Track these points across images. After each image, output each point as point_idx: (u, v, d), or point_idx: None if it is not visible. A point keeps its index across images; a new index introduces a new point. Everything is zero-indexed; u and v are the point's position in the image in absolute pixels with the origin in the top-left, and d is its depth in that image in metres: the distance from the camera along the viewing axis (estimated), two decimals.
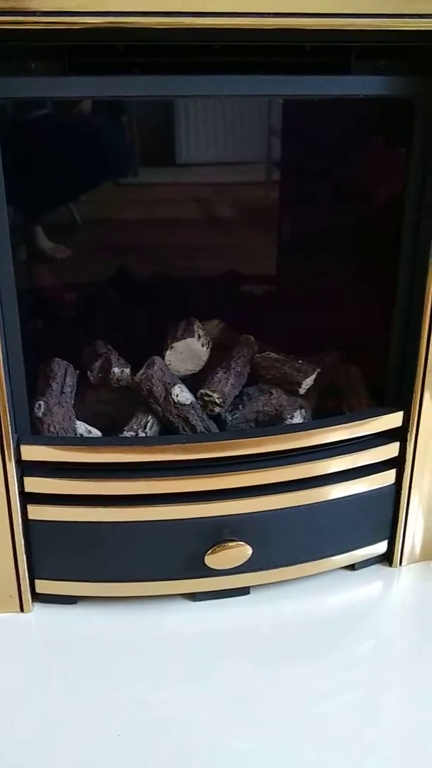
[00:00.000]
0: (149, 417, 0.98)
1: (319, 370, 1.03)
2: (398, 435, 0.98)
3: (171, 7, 0.74)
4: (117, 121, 1.16)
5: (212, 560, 0.94)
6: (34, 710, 0.85)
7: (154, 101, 1.11)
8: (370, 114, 1.05)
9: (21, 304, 0.86)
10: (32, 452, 0.90)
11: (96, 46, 0.80)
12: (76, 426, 0.97)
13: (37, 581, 0.96)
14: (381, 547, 1.04)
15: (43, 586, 0.97)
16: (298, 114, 1.16)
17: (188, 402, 0.97)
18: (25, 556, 0.93)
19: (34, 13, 0.72)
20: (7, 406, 0.86)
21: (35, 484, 0.91)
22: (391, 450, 0.99)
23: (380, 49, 0.84)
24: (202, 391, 0.99)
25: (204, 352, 1.03)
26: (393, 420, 0.98)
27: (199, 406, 0.98)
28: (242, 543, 0.94)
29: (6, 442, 0.87)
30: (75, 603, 0.98)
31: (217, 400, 0.98)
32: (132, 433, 0.97)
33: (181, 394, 0.96)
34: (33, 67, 0.79)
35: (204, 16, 0.74)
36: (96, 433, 0.98)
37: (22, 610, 0.96)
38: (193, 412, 0.97)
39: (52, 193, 1.13)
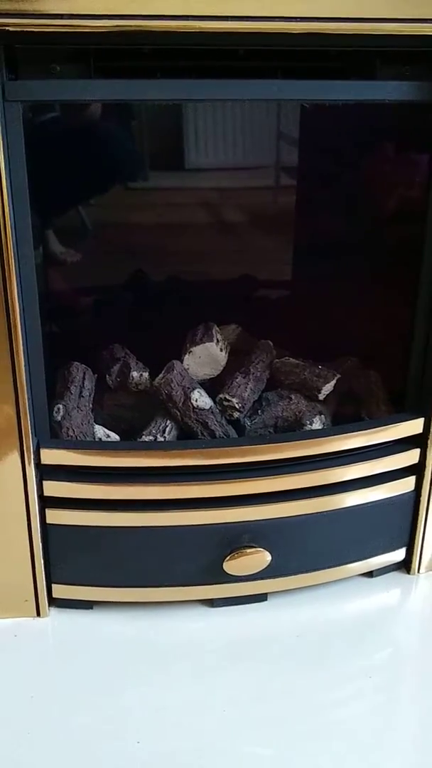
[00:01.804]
0: (168, 421, 0.98)
1: (338, 375, 1.03)
2: (418, 442, 0.98)
3: (198, 11, 0.73)
4: (128, 125, 1.16)
5: (231, 566, 0.93)
6: (50, 716, 0.84)
7: (171, 105, 1.11)
8: (386, 119, 1.04)
9: (39, 308, 0.86)
10: (51, 456, 0.90)
11: (121, 49, 0.79)
12: (95, 430, 0.97)
13: (53, 586, 0.96)
14: (399, 555, 1.04)
15: (60, 591, 0.96)
16: (311, 119, 1.16)
17: (207, 407, 0.96)
18: (42, 561, 0.93)
19: (60, 16, 0.72)
20: (27, 409, 0.85)
21: (54, 488, 0.91)
22: (411, 457, 0.98)
23: (405, 54, 0.84)
24: (221, 395, 0.98)
25: (222, 357, 1.02)
26: (413, 427, 0.97)
27: (218, 411, 0.98)
28: (261, 549, 0.93)
29: (26, 445, 0.87)
30: (91, 608, 0.98)
31: (236, 405, 0.98)
32: (150, 438, 0.96)
33: (201, 399, 0.96)
34: (57, 69, 0.79)
35: (231, 20, 0.74)
36: (114, 437, 0.98)
37: (38, 614, 0.96)
38: (212, 417, 0.96)
39: (63, 197, 1.13)
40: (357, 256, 1.11)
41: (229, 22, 0.74)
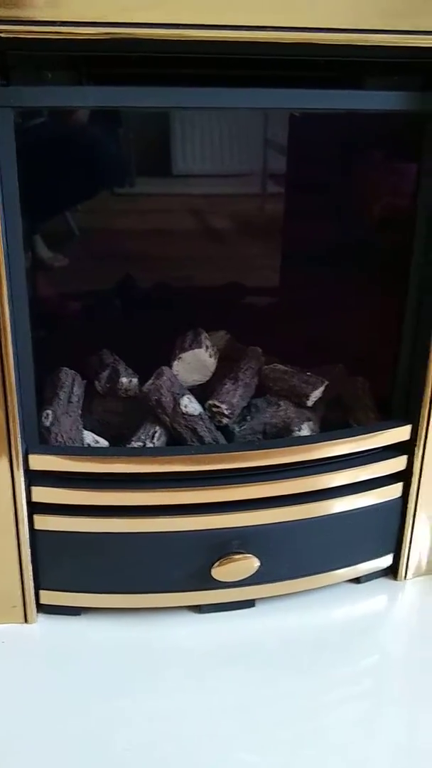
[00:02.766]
0: (157, 427, 0.98)
1: (327, 382, 1.03)
2: (406, 448, 0.99)
3: (189, 19, 0.74)
4: (115, 131, 1.17)
5: (219, 572, 0.94)
6: (38, 723, 0.84)
7: (158, 112, 1.12)
8: (375, 128, 1.05)
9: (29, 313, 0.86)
10: (40, 462, 0.90)
11: (112, 56, 0.80)
12: (84, 436, 0.97)
13: (41, 592, 0.95)
14: (386, 561, 1.04)
15: (48, 597, 0.96)
16: (300, 127, 1.17)
17: (196, 413, 0.97)
18: (30, 567, 0.93)
19: (52, 23, 0.72)
20: (16, 415, 0.85)
21: (42, 494, 0.91)
22: (398, 463, 0.99)
23: (394, 65, 0.85)
24: (210, 402, 0.98)
25: (211, 363, 1.03)
26: (401, 433, 0.98)
27: (207, 417, 0.98)
28: (249, 555, 0.94)
29: (14, 451, 0.87)
30: (79, 614, 0.97)
31: (225, 412, 0.98)
32: (139, 444, 0.96)
33: (190, 405, 0.96)
34: (49, 76, 0.79)
35: (221, 29, 0.75)
36: (103, 443, 0.98)
37: (26, 620, 0.96)
38: (201, 423, 0.97)
39: (50, 202, 1.13)
40: (345, 263, 1.11)
41: (219, 31, 0.75)
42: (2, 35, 0.72)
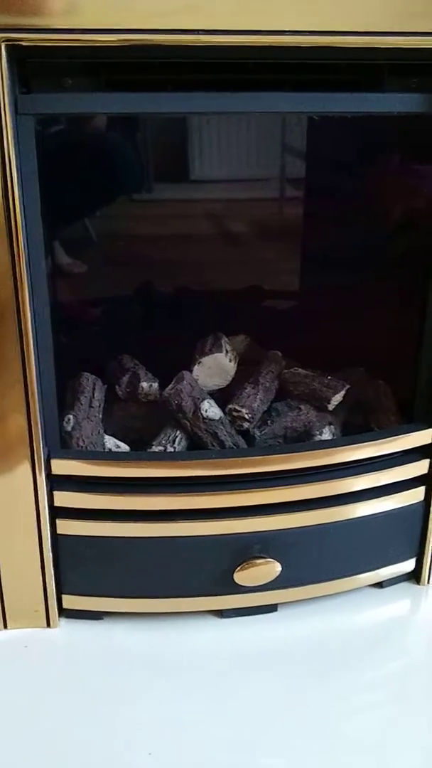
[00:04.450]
0: (177, 432, 0.98)
1: (348, 386, 1.03)
2: (428, 452, 0.98)
3: (208, 25, 0.74)
4: (133, 137, 1.17)
5: (241, 577, 0.93)
6: (60, 728, 0.84)
7: (176, 117, 1.12)
8: (393, 130, 1.05)
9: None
10: (62, 466, 0.90)
11: (131, 62, 0.80)
12: (105, 440, 0.97)
13: (64, 596, 0.96)
14: (409, 565, 1.03)
15: (70, 602, 0.96)
16: (318, 130, 1.16)
17: (217, 417, 0.97)
18: (52, 571, 0.93)
19: (72, 31, 0.73)
20: (38, 420, 0.86)
21: (64, 499, 0.91)
22: (420, 467, 0.98)
23: (412, 67, 0.84)
24: (230, 406, 0.98)
25: (231, 368, 1.03)
26: (423, 437, 0.97)
27: (227, 421, 0.98)
28: (271, 560, 0.93)
29: (37, 456, 0.87)
30: (101, 618, 0.98)
31: (246, 416, 0.98)
32: (160, 448, 0.96)
33: (210, 410, 0.96)
34: (69, 83, 0.80)
35: (240, 34, 0.75)
36: (124, 447, 0.98)
37: (48, 625, 0.96)
38: (221, 427, 0.97)
39: (69, 209, 1.14)
40: (365, 266, 1.11)
41: (238, 36, 0.75)
42: (23, 44, 0.72)
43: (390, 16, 0.76)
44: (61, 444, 0.93)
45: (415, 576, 1.05)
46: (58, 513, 0.92)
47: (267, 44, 0.76)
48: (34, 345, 0.83)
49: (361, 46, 0.78)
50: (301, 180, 1.25)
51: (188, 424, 0.97)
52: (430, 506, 1.00)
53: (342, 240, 1.16)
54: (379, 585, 1.04)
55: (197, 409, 0.96)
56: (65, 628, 0.97)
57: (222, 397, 1.02)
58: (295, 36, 0.76)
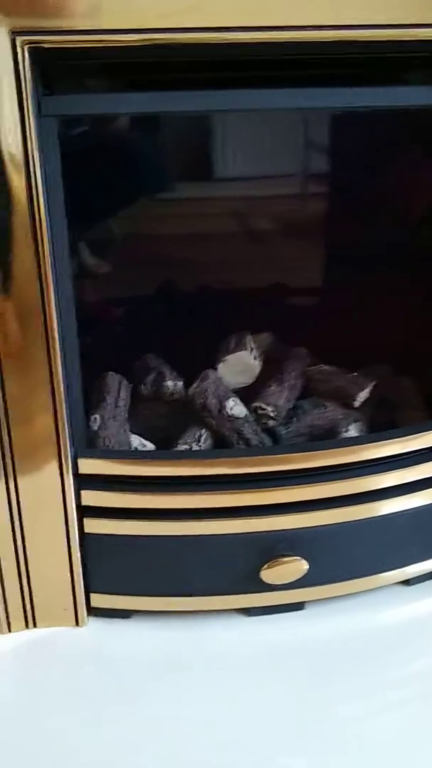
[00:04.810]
0: (203, 430, 0.98)
1: (374, 382, 1.02)
2: None
3: (229, 22, 0.74)
4: (154, 136, 1.17)
5: (268, 575, 0.93)
6: (87, 726, 0.85)
7: (197, 116, 1.12)
8: (417, 124, 1.04)
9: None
10: (89, 466, 0.91)
11: (152, 62, 0.80)
12: (131, 439, 0.98)
13: (92, 595, 0.96)
14: None
15: (98, 600, 0.97)
16: (340, 127, 1.16)
17: (242, 415, 0.96)
18: (81, 570, 0.94)
19: (93, 32, 0.73)
20: (65, 420, 0.86)
21: (92, 498, 0.92)
22: None
23: None
24: (255, 404, 0.98)
25: (256, 366, 1.03)
26: None
27: (252, 419, 0.98)
28: (298, 558, 0.93)
29: (64, 455, 0.88)
30: (129, 617, 0.98)
31: (271, 414, 0.98)
32: (186, 447, 0.97)
33: (235, 408, 0.96)
34: (91, 84, 0.80)
35: (261, 31, 0.75)
36: (150, 446, 0.99)
37: (77, 623, 0.97)
38: (246, 425, 0.97)
39: (93, 209, 1.14)
40: (389, 262, 1.10)
41: (261, 33, 0.75)
42: (45, 46, 0.73)
43: (411, 9, 0.76)
44: (88, 443, 0.94)
45: None
46: (85, 512, 0.92)
47: (287, 40, 0.75)
48: (60, 345, 0.84)
49: (384, 39, 0.77)
50: (325, 176, 1.24)
51: (213, 422, 0.97)
52: None
53: (366, 236, 1.15)
54: (406, 582, 1.03)
55: (222, 407, 0.96)
56: (93, 626, 0.97)
57: (247, 395, 1.02)
58: (319, 31, 0.75)
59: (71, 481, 0.89)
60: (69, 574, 0.94)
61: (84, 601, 0.96)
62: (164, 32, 0.73)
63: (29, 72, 0.73)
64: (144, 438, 0.99)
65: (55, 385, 0.85)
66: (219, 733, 0.84)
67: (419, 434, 0.96)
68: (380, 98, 0.83)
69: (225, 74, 0.82)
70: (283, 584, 0.95)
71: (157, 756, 0.81)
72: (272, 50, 0.79)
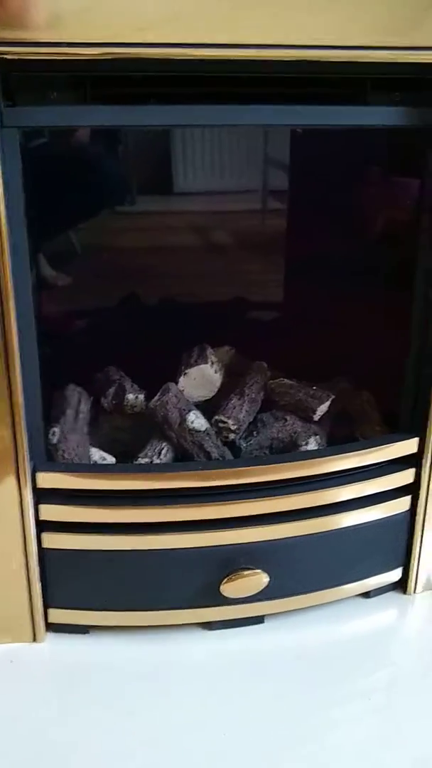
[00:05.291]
0: (164, 444, 0.98)
1: (333, 396, 1.03)
2: (413, 461, 0.98)
3: (191, 39, 0.74)
4: (116, 150, 1.17)
5: (228, 589, 0.93)
6: (49, 743, 0.83)
7: (159, 130, 1.13)
8: (377, 143, 1.06)
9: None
10: (48, 479, 0.90)
11: (116, 76, 0.81)
12: (91, 453, 0.97)
13: (50, 610, 0.95)
14: (395, 575, 1.04)
15: (56, 616, 0.95)
16: (299, 144, 1.17)
17: (203, 428, 0.96)
18: (38, 585, 0.92)
19: (58, 44, 0.73)
20: (24, 432, 0.85)
21: (50, 512, 0.91)
22: (406, 476, 0.99)
23: (395, 81, 0.85)
24: (216, 417, 0.98)
25: (217, 379, 1.03)
26: (408, 446, 0.97)
27: (213, 432, 0.98)
28: (258, 571, 0.93)
29: (22, 469, 0.87)
30: (87, 632, 0.97)
31: (232, 427, 0.98)
32: (147, 460, 0.96)
33: (197, 421, 0.96)
34: (54, 96, 0.80)
35: (227, 48, 0.75)
36: (110, 459, 0.98)
37: (35, 639, 0.95)
38: (207, 438, 0.97)
39: (53, 221, 1.13)
40: (349, 277, 1.12)
41: (221, 50, 0.75)
42: (7, 57, 0.73)
43: (371, 31, 0.78)
44: (47, 457, 0.93)
45: (401, 585, 1.05)
46: (44, 526, 0.91)
47: (249, 58, 0.76)
48: (19, 358, 0.83)
49: (343, 60, 0.79)
50: (285, 192, 1.26)
51: (174, 435, 0.97)
52: (415, 515, 1.00)
53: (327, 251, 1.16)
54: (366, 595, 1.04)
55: (183, 420, 0.96)
56: (51, 642, 0.96)
57: (208, 408, 1.02)
58: (278, 50, 0.76)
59: (29, 495, 0.88)
60: (27, 590, 0.92)
61: (42, 616, 0.94)
62: (125, 47, 0.74)
63: None
64: (104, 451, 0.99)
65: (14, 398, 0.84)
66: (184, 747, 0.83)
67: (378, 447, 0.97)
68: (340, 117, 0.85)
69: (188, 90, 0.83)
70: (244, 597, 0.95)
71: None
72: (233, 68, 0.80)
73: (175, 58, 0.75)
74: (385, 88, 0.85)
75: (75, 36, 0.73)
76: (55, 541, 0.92)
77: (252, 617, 0.98)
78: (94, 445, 0.99)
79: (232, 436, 0.99)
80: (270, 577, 0.94)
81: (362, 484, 0.97)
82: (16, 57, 0.73)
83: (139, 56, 0.74)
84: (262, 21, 0.75)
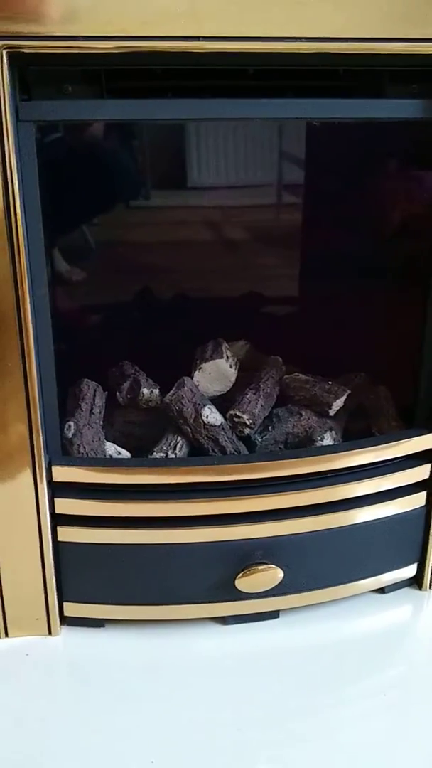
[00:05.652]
0: (178, 438, 0.98)
1: (349, 391, 1.03)
2: (429, 457, 0.98)
3: (208, 31, 0.74)
4: (131, 145, 1.17)
5: (243, 583, 0.93)
6: (62, 736, 0.84)
7: (174, 125, 1.12)
8: (394, 136, 1.05)
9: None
10: (63, 473, 0.90)
11: (132, 69, 0.80)
12: (106, 447, 0.97)
13: (65, 604, 0.95)
14: (410, 571, 1.03)
15: (72, 609, 0.96)
16: (315, 137, 1.17)
17: (218, 423, 0.96)
18: (54, 579, 0.93)
19: (74, 38, 0.73)
20: (40, 427, 0.85)
21: (65, 506, 0.91)
22: (421, 472, 0.98)
23: (412, 72, 0.84)
24: (231, 412, 0.98)
25: (232, 373, 1.02)
26: (424, 442, 0.97)
27: (228, 427, 0.98)
28: (273, 566, 0.93)
29: (38, 463, 0.87)
30: (103, 626, 0.97)
31: (247, 422, 0.98)
32: (161, 455, 0.96)
33: (211, 415, 0.96)
34: (69, 90, 0.80)
35: (241, 41, 0.75)
36: (125, 454, 0.98)
37: (50, 633, 0.96)
38: (222, 433, 0.96)
39: (68, 216, 1.14)
40: (365, 272, 1.11)
41: (236, 43, 0.75)
42: (24, 51, 0.73)
43: (388, 23, 0.77)
44: (63, 451, 0.93)
45: (416, 581, 1.05)
46: (59, 520, 0.91)
47: (265, 50, 0.76)
48: (35, 353, 0.83)
49: (358, 52, 0.78)
50: (300, 186, 1.25)
51: (189, 430, 0.97)
52: (431, 511, 1.00)
53: (342, 246, 1.16)
54: (381, 591, 1.03)
55: (198, 415, 0.96)
56: (66, 636, 0.97)
57: (223, 403, 1.01)
58: (295, 42, 0.76)
59: (45, 489, 0.89)
60: (42, 583, 0.93)
61: (57, 610, 0.95)
62: (140, 40, 0.73)
63: (7, 77, 0.73)
64: (119, 445, 0.99)
65: (30, 393, 0.84)
66: (199, 741, 0.83)
67: (394, 443, 0.97)
68: (357, 110, 0.84)
69: (204, 83, 0.82)
70: (259, 592, 0.95)
71: (137, 765, 0.80)
72: (248, 60, 0.80)
73: (191, 51, 0.75)
74: (402, 81, 0.84)
75: (90, 30, 0.72)
76: (70, 535, 0.92)
77: (267, 612, 0.98)
78: (109, 440, 0.99)
79: (247, 430, 0.98)
80: (285, 572, 0.94)
81: (378, 479, 0.96)
82: (32, 51, 0.73)
83: (154, 50, 0.74)
84: (278, 13, 0.74)
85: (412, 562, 1.03)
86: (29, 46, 0.72)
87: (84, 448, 0.94)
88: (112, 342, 1.17)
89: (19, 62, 0.74)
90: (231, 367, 1.02)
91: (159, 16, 0.73)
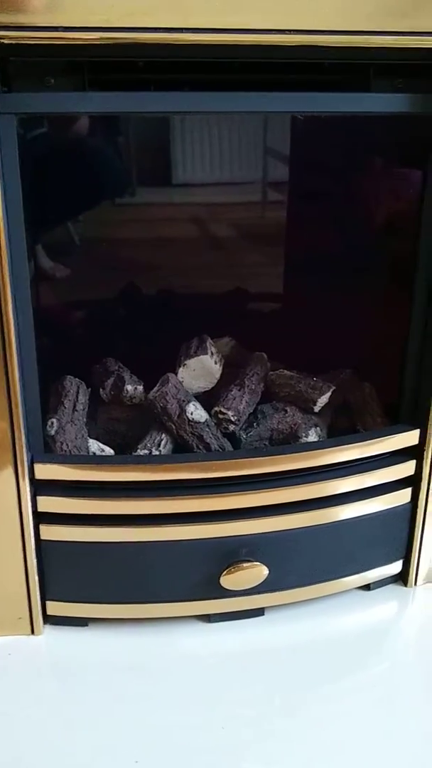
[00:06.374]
0: (163, 435, 0.97)
1: (333, 387, 1.02)
2: (414, 453, 0.98)
3: (194, 23, 0.73)
4: (115, 141, 1.16)
5: (228, 581, 0.93)
6: (46, 736, 0.83)
7: (159, 120, 1.12)
8: (379, 132, 1.05)
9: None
10: (45, 471, 0.89)
11: (115, 62, 0.79)
12: (89, 444, 0.96)
13: (48, 603, 0.94)
14: (396, 567, 1.03)
15: (55, 608, 0.95)
16: (300, 134, 1.16)
17: (203, 420, 0.96)
18: (36, 577, 0.92)
19: (55, 29, 0.72)
20: (21, 424, 0.84)
21: (48, 504, 0.90)
22: (407, 468, 0.98)
23: (398, 66, 0.84)
24: (216, 408, 0.98)
25: (217, 370, 1.02)
26: (409, 438, 0.97)
27: (213, 423, 0.97)
28: (258, 563, 0.93)
29: (20, 460, 0.86)
30: (86, 625, 0.96)
31: (232, 418, 0.97)
32: (145, 452, 0.95)
33: (196, 412, 0.95)
34: (52, 82, 0.79)
35: (226, 33, 0.74)
36: (109, 451, 0.97)
37: (33, 632, 0.95)
38: (207, 430, 0.96)
39: (51, 212, 1.13)
40: (350, 269, 1.11)
41: (221, 35, 0.74)
42: (4, 41, 0.71)
43: (372, 16, 0.76)
44: (45, 448, 0.92)
45: (402, 578, 1.05)
46: (41, 518, 0.91)
47: (251, 43, 0.75)
48: (17, 349, 0.82)
49: (344, 45, 0.77)
50: (285, 183, 1.25)
51: (173, 426, 0.96)
52: (416, 508, 0.99)
53: (328, 243, 1.15)
54: (367, 587, 1.03)
55: (182, 411, 0.95)
56: (50, 635, 0.96)
57: (207, 399, 1.01)
58: (280, 35, 0.75)
59: (27, 486, 0.87)
60: (24, 582, 0.92)
61: (40, 609, 0.94)
62: (122, 31, 0.73)
63: None
64: (103, 443, 0.98)
65: (12, 390, 0.83)
66: (184, 740, 0.82)
67: (379, 439, 0.97)
68: (341, 104, 0.84)
69: (188, 76, 0.82)
70: (243, 590, 0.94)
71: (121, 764, 0.80)
72: (233, 53, 0.79)
73: (174, 43, 0.74)
74: (387, 75, 0.84)
75: (73, 20, 0.72)
76: (53, 533, 0.91)
77: (252, 610, 0.98)
78: (93, 437, 0.98)
79: (231, 427, 0.98)
80: (270, 570, 0.93)
81: (363, 475, 0.96)
82: (13, 41, 0.72)
83: (138, 41, 0.73)
84: (263, 5, 0.74)
85: (398, 559, 1.03)
86: (9, 36, 0.71)
87: (67, 445, 0.93)
88: (96, 338, 1.16)
89: (0, 53, 0.73)
90: (216, 363, 1.02)
91: (143, 7, 0.72)
